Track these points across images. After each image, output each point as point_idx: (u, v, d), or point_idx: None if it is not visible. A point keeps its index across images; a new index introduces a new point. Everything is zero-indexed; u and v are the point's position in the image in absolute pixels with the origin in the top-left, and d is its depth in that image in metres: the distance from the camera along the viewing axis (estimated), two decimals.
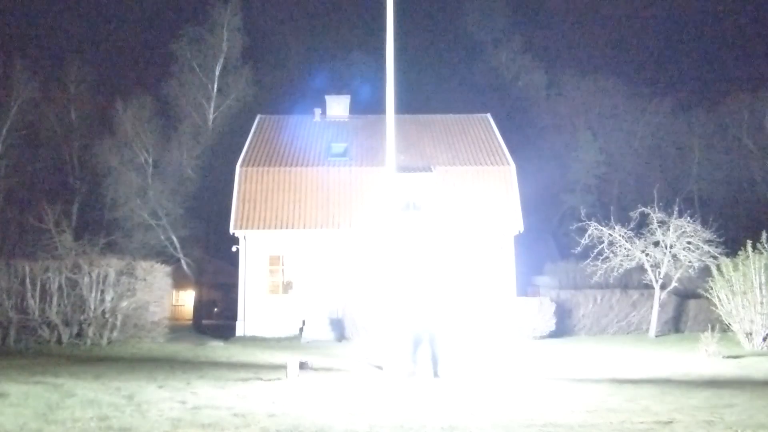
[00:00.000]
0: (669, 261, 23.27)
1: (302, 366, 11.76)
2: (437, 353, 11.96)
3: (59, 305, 18.29)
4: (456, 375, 12.02)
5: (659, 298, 23.58)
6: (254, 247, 25.71)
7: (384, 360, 12.79)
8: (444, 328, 12.61)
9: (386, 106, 13.67)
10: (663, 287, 23.53)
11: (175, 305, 36.13)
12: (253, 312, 25.28)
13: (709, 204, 38.48)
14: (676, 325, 25.17)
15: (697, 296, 22.74)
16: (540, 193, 34.74)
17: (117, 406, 8.22)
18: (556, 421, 7.23)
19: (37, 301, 18.11)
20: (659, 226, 23.57)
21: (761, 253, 18.70)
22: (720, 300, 19.44)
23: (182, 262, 33.03)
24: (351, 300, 22.90)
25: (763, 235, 19.00)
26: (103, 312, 18.60)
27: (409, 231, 23.11)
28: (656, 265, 23.53)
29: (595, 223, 24.07)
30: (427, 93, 42.45)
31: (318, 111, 31.16)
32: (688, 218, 23.62)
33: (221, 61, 35.25)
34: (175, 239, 32.90)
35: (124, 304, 18.91)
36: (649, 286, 24.09)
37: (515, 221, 25.62)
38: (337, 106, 31.45)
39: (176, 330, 24.39)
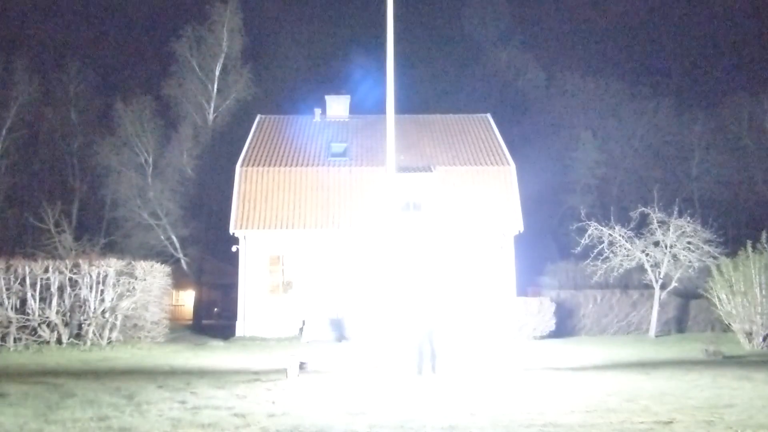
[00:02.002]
0: (669, 261, 23.28)
1: (302, 366, 11.76)
2: (435, 350, 12.00)
3: (59, 305, 18.29)
4: (455, 373, 12.03)
5: (659, 298, 23.59)
6: (254, 247, 25.71)
7: (384, 360, 12.80)
8: (443, 326, 12.63)
9: (386, 106, 13.70)
10: (663, 287, 23.54)
11: (175, 305, 36.09)
12: (253, 312, 25.28)
13: (709, 204, 38.45)
14: (676, 325, 25.16)
15: (698, 296, 22.75)
16: (540, 193, 34.71)
17: (117, 406, 8.22)
18: (556, 421, 7.23)
19: (37, 301, 18.10)
20: (659, 226, 23.57)
21: (761, 253, 18.72)
22: (720, 300, 19.45)
23: (182, 262, 33.04)
24: (351, 300, 22.90)
25: (763, 235, 19.03)
26: (103, 312, 18.59)
27: (409, 231, 23.10)
28: (656, 265, 23.54)
29: (595, 223, 24.08)
30: (427, 93, 42.44)
31: (318, 111, 31.14)
32: (688, 218, 23.63)
33: (221, 61, 35.23)
34: (174, 239, 32.93)
35: (124, 304, 18.91)
36: (649, 286, 24.10)
37: (515, 221, 25.61)
38: (337, 106, 31.43)
39: (176, 330, 24.39)
